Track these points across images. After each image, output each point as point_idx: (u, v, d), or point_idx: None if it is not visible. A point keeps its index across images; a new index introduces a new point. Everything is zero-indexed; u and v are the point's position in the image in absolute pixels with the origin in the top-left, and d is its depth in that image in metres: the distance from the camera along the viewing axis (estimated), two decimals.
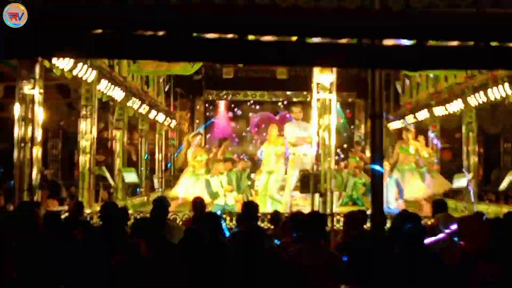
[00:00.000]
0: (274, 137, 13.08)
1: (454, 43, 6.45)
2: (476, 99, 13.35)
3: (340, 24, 5.92)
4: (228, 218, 10.52)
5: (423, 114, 16.91)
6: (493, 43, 6.44)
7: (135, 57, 8.88)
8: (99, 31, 5.90)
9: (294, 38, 6.58)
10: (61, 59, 10.01)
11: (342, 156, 20.22)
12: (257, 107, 23.07)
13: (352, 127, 23.22)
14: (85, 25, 5.84)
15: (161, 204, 8.30)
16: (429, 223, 9.46)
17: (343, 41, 6.55)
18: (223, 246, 5.64)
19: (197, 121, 23.11)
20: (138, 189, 16.81)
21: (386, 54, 6.23)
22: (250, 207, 7.65)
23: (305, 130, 12.34)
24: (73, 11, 5.78)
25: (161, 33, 5.94)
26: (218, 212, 10.27)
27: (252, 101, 23.00)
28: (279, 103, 22.94)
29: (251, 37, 6.26)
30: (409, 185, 13.46)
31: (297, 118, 12.84)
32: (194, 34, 6.05)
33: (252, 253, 5.24)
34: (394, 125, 20.00)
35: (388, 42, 6.57)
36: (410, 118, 18.11)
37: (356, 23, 6.00)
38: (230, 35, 6.11)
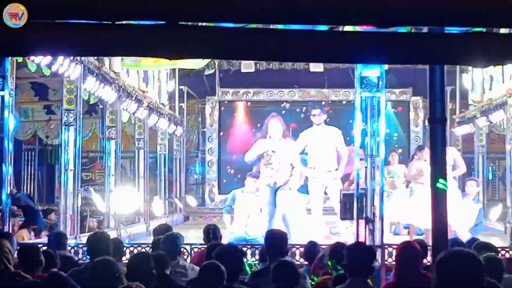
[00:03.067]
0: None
1: None
2: None
3: (387, 9, 5.88)
4: (249, 252, 10.49)
5: (498, 116, 16.77)
6: None
7: (127, 53, 8.92)
8: (82, 21, 5.94)
9: (325, 27, 6.59)
10: None
11: None
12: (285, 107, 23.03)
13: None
14: (64, 13, 5.88)
15: (166, 234, 8.34)
16: (507, 256, 9.39)
17: (391, 29, 6.52)
18: None
19: (209, 127, 23.07)
20: (135, 216, 16.87)
21: (448, 46, 6.18)
22: (276, 238, 7.63)
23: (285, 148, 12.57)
24: None
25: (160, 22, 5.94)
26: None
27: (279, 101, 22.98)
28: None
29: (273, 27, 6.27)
30: None
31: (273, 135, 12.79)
32: (202, 24, 6.05)
33: None
34: (461, 130, 19.91)
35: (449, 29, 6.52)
36: (481, 121, 18.00)
37: (409, 6, 5.96)
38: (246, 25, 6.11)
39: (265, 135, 12.80)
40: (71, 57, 11.17)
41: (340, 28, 7.27)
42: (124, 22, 6.07)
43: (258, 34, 6.18)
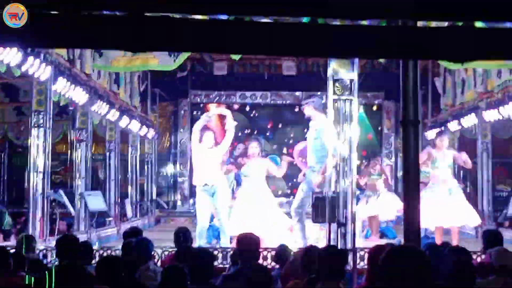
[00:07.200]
0: None
1: None
2: None
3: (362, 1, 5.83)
4: (220, 255, 10.44)
5: (469, 120, 16.84)
6: None
7: (88, 45, 8.77)
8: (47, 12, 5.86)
9: (304, 20, 6.52)
10: (6, 51, 9.95)
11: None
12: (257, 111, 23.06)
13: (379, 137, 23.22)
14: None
15: (137, 239, 8.27)
16: (478, 260, 9.39)
17: (365, 22, 6.49)
18: None
19: (181, 130, 23.02)
20: (105, 219, 16.74)
21: (423, 40, 6.15)
22: (248, 241, 7.58)
23: None
24: None
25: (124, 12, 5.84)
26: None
27: (250, 104, 22.99)
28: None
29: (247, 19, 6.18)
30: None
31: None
32: (172, 15, 5.95)
33: None
34: (433, 133, 19.95)
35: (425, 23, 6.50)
36: (453, 125, 18.05)
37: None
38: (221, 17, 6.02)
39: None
40: (42, 57, 11.05)
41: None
42: (86, 12, 5.96)
43: (235, 27, 6.08)
